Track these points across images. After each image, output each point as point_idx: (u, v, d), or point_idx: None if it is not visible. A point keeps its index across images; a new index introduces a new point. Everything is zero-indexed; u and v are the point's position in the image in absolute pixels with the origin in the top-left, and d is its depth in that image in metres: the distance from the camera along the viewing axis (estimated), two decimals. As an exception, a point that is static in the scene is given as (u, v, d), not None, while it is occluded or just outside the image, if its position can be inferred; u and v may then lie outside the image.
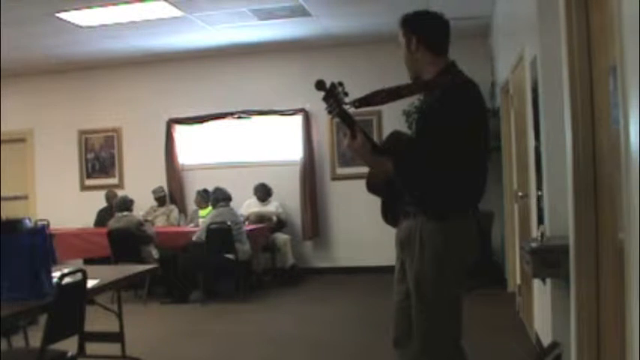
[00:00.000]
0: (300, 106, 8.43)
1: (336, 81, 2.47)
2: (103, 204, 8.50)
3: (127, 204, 7.31)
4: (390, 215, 2.70)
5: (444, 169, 2.37)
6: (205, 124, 8.78)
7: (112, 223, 7.14)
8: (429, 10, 2.64)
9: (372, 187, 2.68)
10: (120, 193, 8.55)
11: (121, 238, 6.89)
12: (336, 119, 2.55)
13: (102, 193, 8.67)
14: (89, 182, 9.25)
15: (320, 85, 2.46)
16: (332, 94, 2.44)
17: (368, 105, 2.46)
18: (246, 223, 7.64)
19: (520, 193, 5.16)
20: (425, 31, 2.55)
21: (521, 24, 4.70)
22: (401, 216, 2.60)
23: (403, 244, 2.58)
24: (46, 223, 7.40)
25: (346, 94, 2.45)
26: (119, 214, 7.18)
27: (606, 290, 2.71)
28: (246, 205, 8.15)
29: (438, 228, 2.44)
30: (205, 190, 7.83)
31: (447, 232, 2.45)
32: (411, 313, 2.54)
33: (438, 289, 2.46)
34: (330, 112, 2.47)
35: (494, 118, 7.28)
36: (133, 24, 6.85)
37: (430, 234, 2.44)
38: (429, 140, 2.41)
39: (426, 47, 2.53)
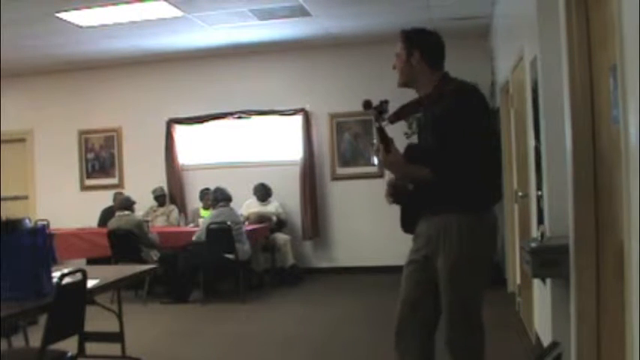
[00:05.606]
0: (300, 106, 8.43)
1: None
2: (103, 204, 8.48)
3: (128, 203, 7.32)
4: (409, 223, 2.86)
5: (477, 167, 2.62)
6: (205, 124, 8.77)
7: (112, 222, 7.14)
8: (429, 28, 2.87)
9: (397, 200, 2.83)
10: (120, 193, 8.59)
11: (121, 237, 6.89)
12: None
13: (102, 193, 8.68)
14: (89, 182, 9.24)
15: (368, 104, 2.66)
16: (381, 111, 2.63)
17: (399, 119, 2.71)
18: (246, 223, 7.64)
19: (520, 193, 5.15)
20: (427, 47, 2.79)
21: (521, 24, 4.69)
22: (426, 214, 2.75)
23: (432, 239, 2.71)
24: (46, 223, 7.39)
25: (386, 112, 2.67)
26: (120, 214, 7.18)
27: (606, 290, 2.71)
28: (246, 205, 8.15)
29: (474, 222, 2.69)
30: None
31: (482, 225, 2.73)
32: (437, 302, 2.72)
33: (473, 279, 2.70)
34: (378, 129, 2.64)
35: (494, 118, 7.29)
36: (133, 24, 6.84)
37: (468, 227, 2.67)
38: (460, 142, 2.59)
39: (426, 61, 2.78)
